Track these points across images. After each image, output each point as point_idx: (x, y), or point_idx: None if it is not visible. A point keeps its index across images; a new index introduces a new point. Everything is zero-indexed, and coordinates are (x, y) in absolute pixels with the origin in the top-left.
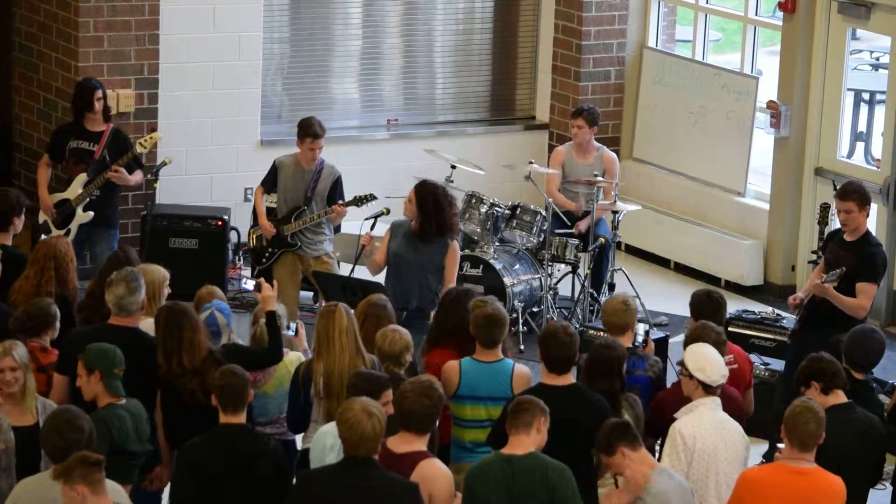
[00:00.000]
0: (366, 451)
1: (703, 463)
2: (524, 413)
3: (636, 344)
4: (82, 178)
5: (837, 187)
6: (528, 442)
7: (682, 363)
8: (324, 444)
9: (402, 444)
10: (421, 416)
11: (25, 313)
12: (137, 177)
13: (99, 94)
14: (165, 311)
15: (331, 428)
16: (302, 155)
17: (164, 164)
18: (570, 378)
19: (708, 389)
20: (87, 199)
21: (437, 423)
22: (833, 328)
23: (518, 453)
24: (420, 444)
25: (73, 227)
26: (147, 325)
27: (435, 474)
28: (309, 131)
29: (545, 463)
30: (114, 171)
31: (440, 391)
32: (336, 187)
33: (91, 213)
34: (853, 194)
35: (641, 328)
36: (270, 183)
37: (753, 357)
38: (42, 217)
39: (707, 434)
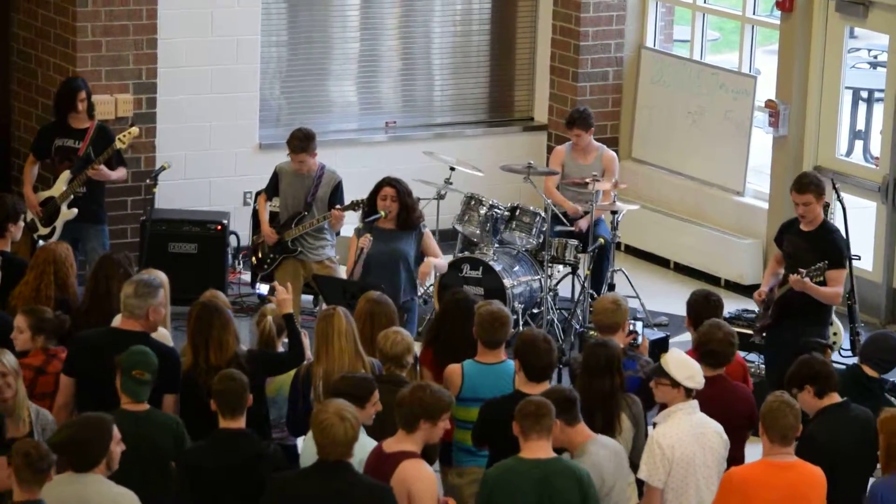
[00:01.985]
0: (337, 454)
1: (682, 470)
2: (546, 418)
3: (635, 343)
4: (66, 175)
5: (798, 181)
6: (548, 446)
7: (659, 373)
8: (313, 449)
9: (394, 443)
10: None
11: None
12: (120, 173)
13: (82, 94)
14: (200, 306)
15: None
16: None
17: (162, 168)
18: (547, 386)
19: (691, 394)
20: (72, 196)
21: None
22: (805, 321)
23: (543, 457)
24: (410, 445)
25: (59, 224)
26: (160, 334)
27: (416, 475)
28: (288, 144)
29: (575, 466)
30: (93, 170)
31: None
32: (336, 193)
33: (75, 211)
34: (811, 186)
35: (639, 327)
36: (272, 189)
37: (752, 357)
38: (30, 215)
39: (686, 442)
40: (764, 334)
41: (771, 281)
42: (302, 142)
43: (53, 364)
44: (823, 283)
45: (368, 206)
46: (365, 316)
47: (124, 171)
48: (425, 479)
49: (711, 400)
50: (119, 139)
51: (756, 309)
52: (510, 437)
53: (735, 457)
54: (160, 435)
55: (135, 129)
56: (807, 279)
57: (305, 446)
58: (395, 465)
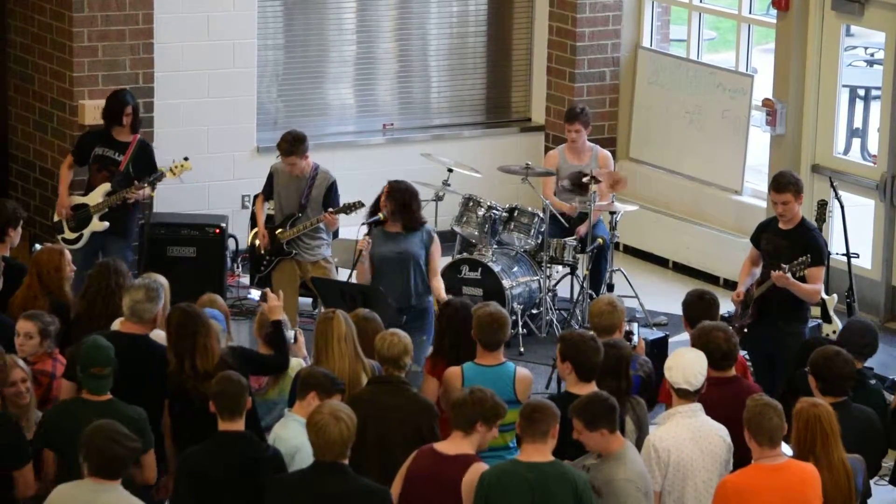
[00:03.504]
0: (333, 455)
1: (679, 474)
2: (541, 422)
3: (630, 344)
4: (105, 187)
5: (776, 180)
6: (545, 449)
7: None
8: (292, 445)
9: (452, 446)
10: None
11: None
12: (149, 191)
13: (129, 109)
14: (178, 312)
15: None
16: None
17: (161, 173)
18: (594, 387)
19: (682, 395)
20: (106, 209)
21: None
22: (785, 319)
23: (538, 461)
24: (469, 448)
25: (87, 233)
26: (155, 335)
27: None
28: (278, 147)
29: (571, 471)
30: (132, 193)
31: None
32: (330, 193)
33: (106, 224)
34: (789, 185)
35: (634, 327)
36: (269, 190)
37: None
38: (57, 217)
39: (682, 445)
40: (745, 330)
41: (746, 281)
42: (291, 145)
43: (61, 368)
44: (804, 280)
45: (374, 208)
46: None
47: (151, 192)
48: None
49: (728, 401)
50: (171, 170)
51: (732, 309)
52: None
53: (747, 458)
54: (125, 424)
55: (188, 164)
56: (788, 275)
57: (277, 437)
58: (460, 467)
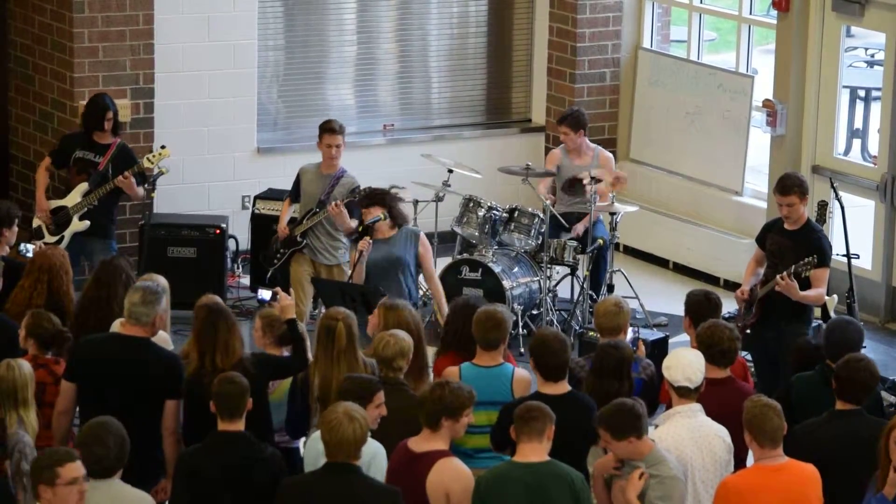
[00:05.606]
0: (345, 455)
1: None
2: (536, 420)
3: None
4: (83, 187)
5: (781, 182)
6: (541, 450)
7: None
8: (317, 449)
9: (422, 443)
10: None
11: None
12: (141, 191)
13: (110, 114)
14: (205, 309)
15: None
16: (323, 156)
17: (161, 173)
18: (566, 386)
19: (682, 394)
20: (85, 209)
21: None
22: (787, 320)
23: (534, 461)
24: (440, 443)
25: (67, 234)
26: (159, 338)
27: (454, 474)
28: (325, 126)
29: (567, 470)
30: (123, 178)
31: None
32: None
33: (87, 223)
34: (794, 188)
35: (630, 332)
36: (295, 192)
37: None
38: (36, 222)
39: (683, 445)
40: (748, 331)
41: (751, 280)
42: (341, 125)
43: (38, 373)
44: (808, 280)
45: (362, 228)
46: (412, 324)
47: (143, 191)
48: (463, 477)
49: (723, 401)
50: (148, 159)
51: (733, 309)
52: None
53: (741, 458)
54: None
55: (166, 151)
56: (794, 282)
57: (310, 448)
58: (428, 464)
